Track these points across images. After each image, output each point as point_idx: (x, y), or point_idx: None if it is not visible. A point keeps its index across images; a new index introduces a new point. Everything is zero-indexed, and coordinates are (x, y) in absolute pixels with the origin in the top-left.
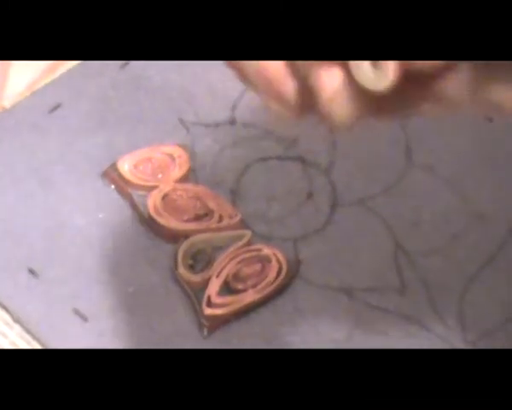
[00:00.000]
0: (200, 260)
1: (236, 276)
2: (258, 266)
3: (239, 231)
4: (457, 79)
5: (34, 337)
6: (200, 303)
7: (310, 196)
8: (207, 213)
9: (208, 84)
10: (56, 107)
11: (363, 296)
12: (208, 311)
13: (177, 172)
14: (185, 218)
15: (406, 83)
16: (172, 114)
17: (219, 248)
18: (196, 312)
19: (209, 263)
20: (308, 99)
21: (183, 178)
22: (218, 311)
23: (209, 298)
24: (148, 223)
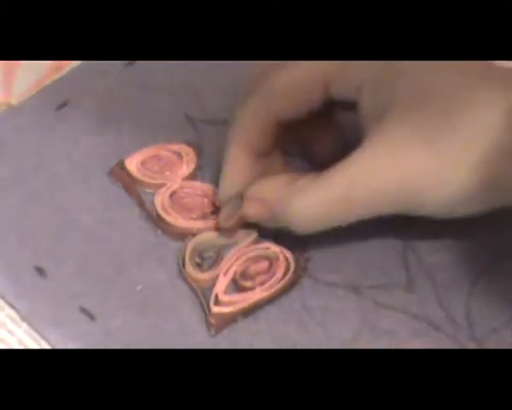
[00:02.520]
0: (208, 258)
1: (244, 274)
2: (265, 264)
3: (246, 229)
4: None
5: (41, 336)
6: (207, 301)
7: None
8: (215, 211)
9: (215, 82)
10: (63, 105)
11: (370, 294)
12: (216, 309)
13: (185, 169)
14: (193, 216)
15: None
16: (179, 111)
17: (227, 246)
18: (204, 310)
19: (216, 261)
20: None
21: (191, 176)
22: (226, 309)
23: (216, 296)
24: (155, 221)
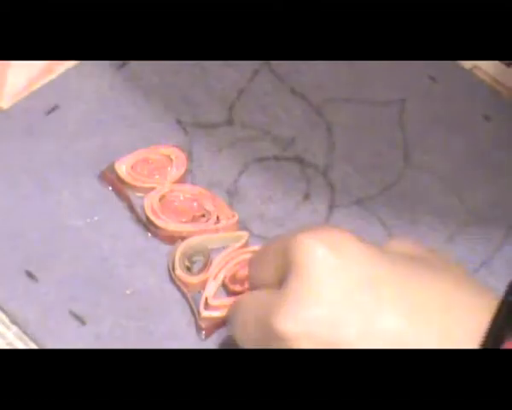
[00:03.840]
0: (198, 261)
1: (234, 277)
2: None
3: (236, 233)
4: None
5: (31, 339)
6: (197, 305)
7: (307, 196)
8: (205, 215)
9: (206, 85)
10: (54, 108)
11: None
12: (205, 313)
13: (175, 173)
14: (182, 219)
15: None
16: (170, 114)
17: (217, 250)
18: (193, 314)
19: (206, 265)
20: None
21: (181, 179)
22: (216, 313)
23: (206, 300)
24: (145, 224)
